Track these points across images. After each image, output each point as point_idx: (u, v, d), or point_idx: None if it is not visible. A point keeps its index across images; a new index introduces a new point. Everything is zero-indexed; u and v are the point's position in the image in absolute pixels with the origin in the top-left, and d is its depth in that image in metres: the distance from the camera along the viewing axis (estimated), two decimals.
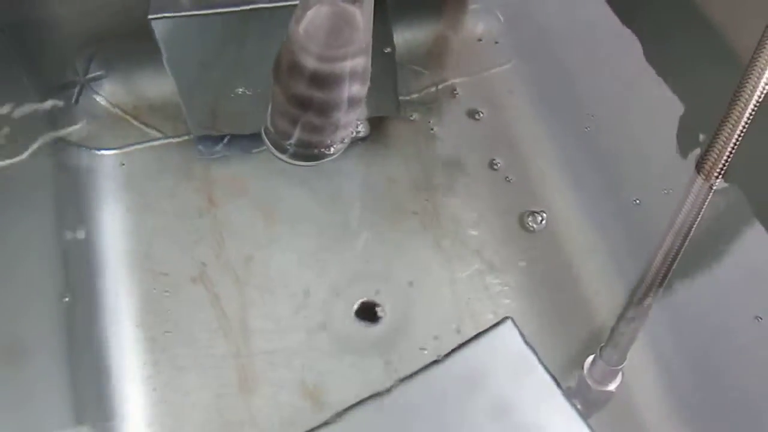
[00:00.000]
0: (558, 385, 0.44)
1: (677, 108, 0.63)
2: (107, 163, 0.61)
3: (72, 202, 0.59)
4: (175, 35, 0.53)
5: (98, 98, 0.63)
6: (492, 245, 0.60)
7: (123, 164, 0.61)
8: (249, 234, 0.60)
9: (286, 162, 0.56)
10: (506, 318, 0.47)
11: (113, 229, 0.58)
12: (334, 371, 0.55)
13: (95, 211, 0.59)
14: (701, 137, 0.56)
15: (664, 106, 0.62)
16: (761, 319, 0.52)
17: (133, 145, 0.62)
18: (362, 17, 0.45)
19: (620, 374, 0.43)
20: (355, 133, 0.52)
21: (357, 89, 0.48)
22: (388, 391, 0.44)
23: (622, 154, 0.63)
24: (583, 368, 0.44)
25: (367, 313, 0.57)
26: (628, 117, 0.66)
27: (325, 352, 0.55)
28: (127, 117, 0.63)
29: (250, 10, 0.53)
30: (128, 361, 0.54)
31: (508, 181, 0.63)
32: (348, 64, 0.46)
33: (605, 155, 0.64)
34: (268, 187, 0.62)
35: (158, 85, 0.65)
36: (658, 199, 0.62)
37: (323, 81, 0.46)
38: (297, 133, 0.50)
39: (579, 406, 0.43)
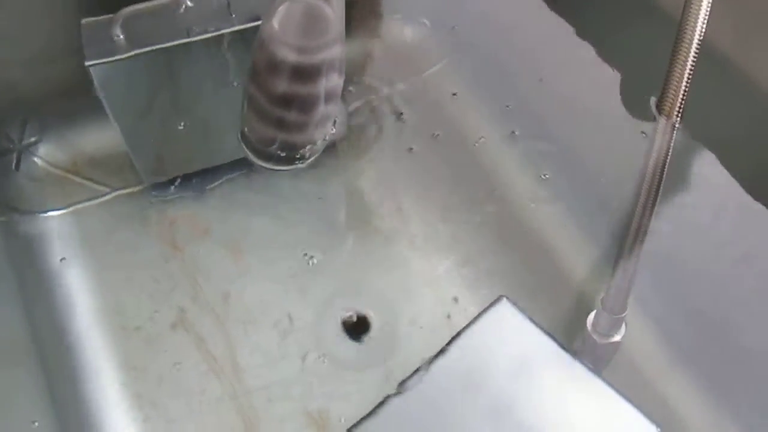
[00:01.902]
0: (565, 348, 0.44)
1: (614, 75, 0.65)
2: (58, 224, 0.59)
3: (29, 269, 0.55)
4: (114, 80, 0.51)
5: (38, 161, 0.60)
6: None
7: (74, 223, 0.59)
8: (220, 271, 0.58)
9: (272, 169, 0.54)
10: (500, 297, 0.47)
11: (77, 290, 0.55)
12: (335, 392, 0.53)
13: (55, 276, 0.56)
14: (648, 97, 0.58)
15: (601, 74, 0.65)
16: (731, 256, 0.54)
17: (82, 202, 0.59)
18: (334, 7, 0.45)
19: (624, 324, 0.44)
20: (333, 130, 0.51)
21: (335, 80, 0.47)
22: (404, 383, 0.43)
23: (569, 125, 0.65)
24: (586, 325, 0.44)
25: (356, 326, 0.56)
26: (566, 91, 0.68)
27: (322, 374, 0.54)
28: (69, 175, 0.61)
29: (184, 44, 0.52)
30: (117, 423, 0.51)
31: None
32: (326, 54, 0.45)
33: (559, 135, 0.66)
34: (229, 221, 0.60)
35: (97, 140, 0.63)
36: (611, 165, 0.64)
37: (304, 74, 0.45)
38: (281, 135, 0.49)
39: (590, 364, 0.44)
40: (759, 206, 0.52)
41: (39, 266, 0.56)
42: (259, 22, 0.53)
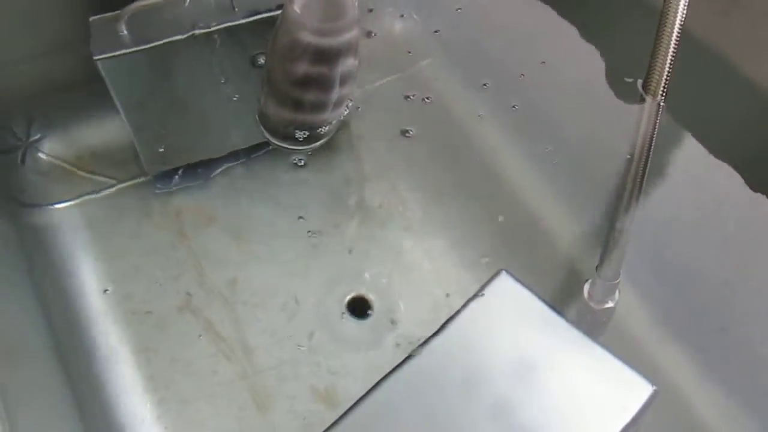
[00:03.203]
0: (563, 316, 0.46)
1: (598, 59, 0.68)
2: (65, 216, 0.60)
3: (40, 260, 0.57)
4: (120, 73, 0.53)
5: (43, 156, 0.62)
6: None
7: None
8: (227, 257, 0.59)
9: (290, 149, 0.56)
10: (500, 270, 0.49)
11: (88, 279, 0.57)
12: (342, 369, 0.55)
13: (66, 265, 0.57)
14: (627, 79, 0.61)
15: (585, 57, 0.67)
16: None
17: (87, 194, 0.61)
18: None
19: (617, 290, 0.46)
20: (347, 111, 0.53)
21: (351, 63, 0.49)
22: (409, 358, 0.45)
23: (551, 105, 0.67)
24: (583, 293, 0.47)
25: (359, 306, 0.58)
26: (551, 75, 0.71)
27: (328, 352, 0.56)
28: (74, 169, 0.62)
29: (188, 38, 0.54)
30: (133, 406, 0.52)
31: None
32: (345, 37, 0.47)
33: (547, 114, 0.68)
34: (234, 209, 0.62)
35: (100, 134, 0.64)
36: (598, 143, 0.66)
37: (324, 56, 0.47)
38: (299, 116, 0.51)
39: (585, 331, 0.46)
40: (738, 177, 0.55)
41: (49, 257, 0.57)
42: (261, 16, 0.55)
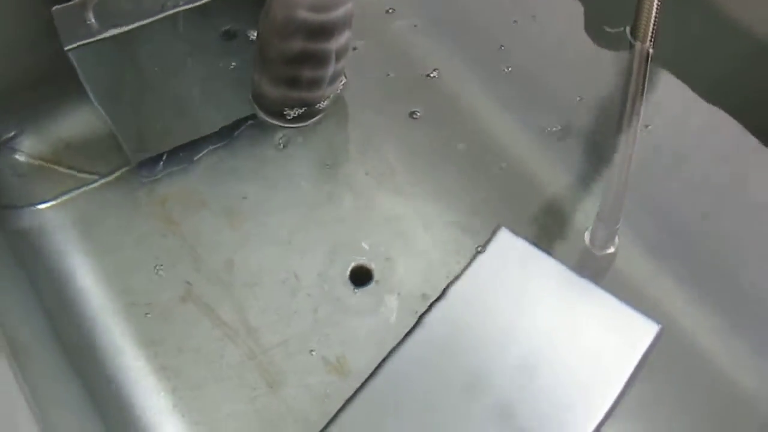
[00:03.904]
0: (565, 265, 0.47)
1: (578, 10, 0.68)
2: (51, 216, 0.59)
3: (33, 262, 0.56)
4: (93, 61, 0.51)
5: (19, 155, 0.60)
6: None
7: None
8: (221, 240, 0.59)
9: (286, 127, 0.55)
10: (499, 226, 0.49)
11: (83, 277, 0.56)
12: (350, 339, 0.55)
13: (59, 265, 0.56)
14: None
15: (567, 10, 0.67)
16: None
17: (70, 191, 0.60)
18: None
19: (617, 236, 0.47)
20: (342, 86, 0.52)
21: (346, 36, 0.48)
22: (420, 322, 0.45)
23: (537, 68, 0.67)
24: (584, 240, 0.48)
25: (362, 275, 0.59)
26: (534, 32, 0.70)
27: (335, 324, 0.56)
28: (53, 166, 0.60)
29: (160, 19, 0.52)
30: (147, 397, 0.53)
31: None
32: (341, 11, 0.46)
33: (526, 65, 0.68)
34: (222, 190, 0.61)
35: (74, 128, 0.62)
36: (579, 91, 0.67)
37: (319, 32, 0.46)
38: (294, 94, 0.50)
39: (589, 278, 0.47)
40: (722, 113, 0.56)
41: (41, 258, 0.56)
42: None
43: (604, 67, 0.62)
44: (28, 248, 0.57)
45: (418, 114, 0.66)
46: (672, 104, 0.60)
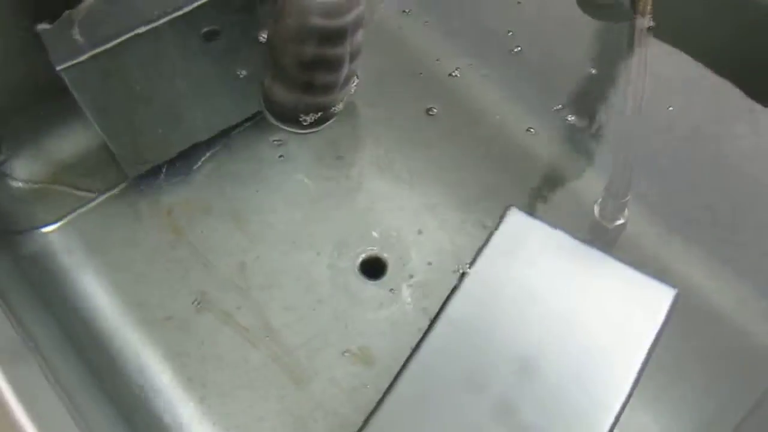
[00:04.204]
0: (578, 238, 0.48)
1: None
2: (57, 238, 0.58)
3: (47, 286, 0.55)
4: (86, 79, 0.50)
5: (17, 179, 0.59)
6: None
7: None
8: (230, 245, 0.59)
9: (301, 133, 0.55)
10: (509, 206, 0.50)
11: (98, 296, 0.56)
12: (370, 329, 0.56)
13: (73, 287, 0.56)
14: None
15: None
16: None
17: (73, 211, 0.59)
18: None
19: (627, 208, 0.48)
20: (354, 88, 0.52)
21: (359, 38, 0.48)
22: (444, 307, 0.46)
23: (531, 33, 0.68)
24: (594, 213, 0.48)
25: (374, 264, 0.59)
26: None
27: (353, 316, 0.57)
28: (53, 187, 0.60)
29: (148, 30, 0.52)
30: (178, 409, 0.53)
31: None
32: (354, 13, 0.45)
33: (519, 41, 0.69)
34: (225, 194, 0.61)
35: (69, 147, 0.62)
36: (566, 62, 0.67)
37: (333, 37, 0.46)
38: (308, 99, 0.49)
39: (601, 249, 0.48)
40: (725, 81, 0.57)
41: (54, 281, 0.56)
42: None
43: (607, 41, 0.63)
44: (39, 272, 0.56)
45: (430, 106, 0.66)
46: (675, 74, 0.61)
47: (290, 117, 0.52)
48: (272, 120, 0.52)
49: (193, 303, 0.56)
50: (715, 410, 0.53)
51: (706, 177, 0.58)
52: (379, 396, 0.53)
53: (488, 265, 0.48)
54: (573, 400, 0.43)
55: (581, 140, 0.62)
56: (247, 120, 0.63)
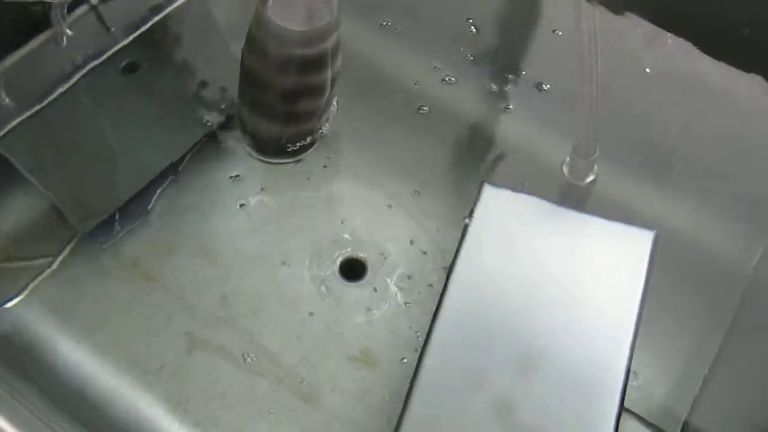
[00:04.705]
0: (555, 203, 0.50)
1: None
2: (22, 313, 0.55)
3: (27, 365, 0.52)
4: (23, 144, 0.48)
5: None
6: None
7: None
8: (205, 279, 0.58)
9: (284, 163, 0.53)
10: (482, 183, 0.51)
11: (83, 363, 0.53)
12: (366, 332, 0.56)
13: (55, 360, 0.53)
14: None
15: None
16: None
17: (32, 281, 0.56)
18: None
19: (595, 165, 0.50)
20: (335, 111, 0.51)
21: (338, 62, 0.46)
22: (444, 294, 0.46)
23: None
24: (563, 172, 0.50)
25: (354, 268, 0.59)
26: None
27: (346, 322, 0.57)
28: (5, 265, 0.57)
29: (77, 80, 0.49)
30: None
31: None
32: (333, 38, 0.44)
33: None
34: (187, 230, 0.59)
35: (10, 216, 0.58)
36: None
37: (317, 63, 0.44)
38: (291, 128, 0.48)
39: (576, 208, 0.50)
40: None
41: (32, 357, 0.53)
42: (143, 29, 0.51)
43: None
44: (13, 352, 0.53)
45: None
46: (628, 32, 0.63)
47: (274, 149, 0.51)
48: (254, 154, 0.50)
49: (182, 347, 0.55)
50: (697, 332, 0.56)
51: (671, 125, 0.61)
52: (390, 396, 0.54)
53: (475, 245, 0.49)
54: (585, 362, 0.45)
55: (537, 106, 0.64)
56: (191, 149, 0.62)
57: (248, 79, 0.48)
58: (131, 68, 0.57)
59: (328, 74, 0.45)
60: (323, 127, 0.49)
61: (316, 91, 0.46)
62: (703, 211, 0.58)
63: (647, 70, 0.63)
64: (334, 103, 0.50)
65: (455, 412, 0.44)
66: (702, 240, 0.58)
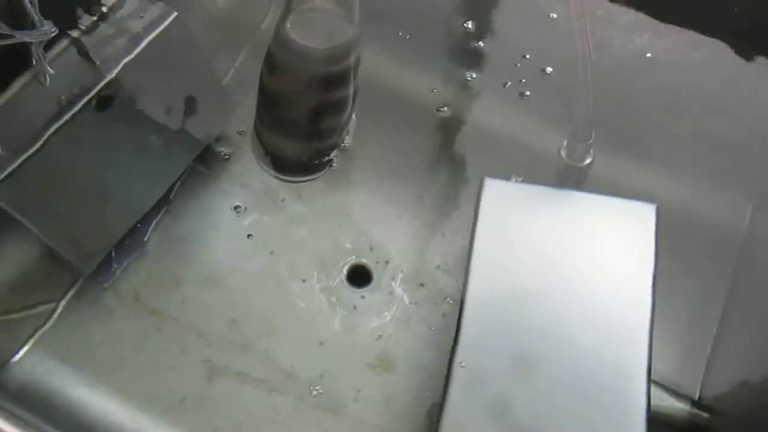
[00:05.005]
0: (553, 186, 0.51)
1: None
2: (31, 364, 0.53)
3: (43, 418, 0.51)
4: (18, 191, 0.46)
5: None
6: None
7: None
8: (214, 305, 0.57)
9: (302, 181, 0.53)
10: (483, 177, 0.52)
11: (100, 406, 0.52)
12: (380, 334, 0.57)
13: (72, 408, 0.52)
14: None
15: None
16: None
17: (39, 330, 0.54)
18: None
19: (591, 149, 0.51)
20: (354, 122, 0.50)
21: (358, 77, 0.46)
22: (466, 288, 0.47)
23: None
24: (561, 154, 0.51)
25: (360, 273, 0.59)
26: None
27: (359, 329, 0.57)
28: (7, 317, 0.55)
29: (67, 120, 0.48)
30: None
31: None
32: (354, 55, 0.43)
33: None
34: (187, 258, 0.58)
35: (10, 267, 0.57)
36: None
37: (340, 81, 0.43)
38: (314, 145, 0.47)
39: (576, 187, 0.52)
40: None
41: (50, 409, 0.52)
42: (128, 59, 0.50)
43: None
44: (29, 406, 0.52)
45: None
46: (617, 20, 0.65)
47: (295, 167, 0.50)
48: (272, 173, 0.50)
49: (202, 376, 0.54)
50: (701, 295, 0.58)
51: (655, 102, 0.63)
52: (412, 397, 0.54)
53: (487, 239, 0.49)
54: (609, 335, 0.46)
55: (528, 101, 0.65)
56: (180, 176, 0.61)
57: (270, 100, 0.47)
58: (106, 101, 0.56)
59: (351, 89, 0.45)
60: (344, 141, 0.49)
61: (340, 107, 0.46)
62: (691, 181, 0.61)
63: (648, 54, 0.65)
64: (354, 116, 0.50)
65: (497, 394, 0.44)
66: (694, 208, 0.60)
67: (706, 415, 0.51)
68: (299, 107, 0.45)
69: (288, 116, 0.46)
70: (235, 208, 0.61)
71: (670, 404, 0.53)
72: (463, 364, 0.45)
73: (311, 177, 0.49)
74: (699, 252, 0.59)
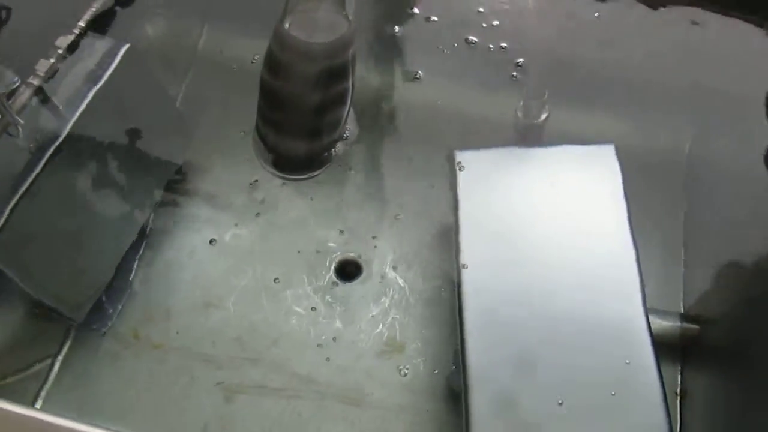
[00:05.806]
0: (525, 146, 0.54)
1: None
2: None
3: None
4: (10, 249, 0.45)
5: None
6: None
7: None
8: (214, 327, 0.57)
9: (306, 179, 0.52)
10: (451, 152, 0.54)
11: None
12: (384, 320, 0.58)
13: None
14: None
15: None
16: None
17: (43, 390, 0.53)
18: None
19: (546, 105, 0.54)
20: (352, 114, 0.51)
21: (355, 70, 0.46)
22: (460, 283, 0.49)
23: None
24: (517, 114, 0.54)
25: (350, 267, 0.60)
26: None
27: (362, 319, 0.58)
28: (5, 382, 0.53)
29: (43, 167, 0.47)
30: None
31: None
32: (353, 47, 0.44)
33: None
34: (175, 287, 0.58)
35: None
36: None
37: (341, 73, 0.44)
38: (317, 142, 0.47)
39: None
40: None
41: None
42: (85, 104, 0.49)
43: None
44: None
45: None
46: None
47: (299, 165, 0.50)
48: (277, 174, 0.50)
49: (218, 398, 0.54)
50: (662, 221, 0.62)
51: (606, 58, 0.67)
52: (428, 372, 0.56)
53: (470, 209, 0.52)
54: (602, 270, 0.50)
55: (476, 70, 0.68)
56: (152, 209, 0.60)
57: (273, 102, 0.48)
58: (73, 144, 0.55)
59: (350, 82, 0.46)
60: (344, 134, 0.50)
61: (341, 100, 0.47)
62: (633, 122, 0.65)
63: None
64: (351, 110, 0.51)
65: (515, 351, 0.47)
66: (640, 144, 0.65)
67: (696, 326, 0.56)
68: (304, 105, 0.46)
69: (292, 116, 0.47)
70: (213, 227, 0.61)
71: (659, 324, 0.57)
72: (473, 330, 0.47)
73: (315, 173, 0.50)
74: (653, 182, 0.63)
